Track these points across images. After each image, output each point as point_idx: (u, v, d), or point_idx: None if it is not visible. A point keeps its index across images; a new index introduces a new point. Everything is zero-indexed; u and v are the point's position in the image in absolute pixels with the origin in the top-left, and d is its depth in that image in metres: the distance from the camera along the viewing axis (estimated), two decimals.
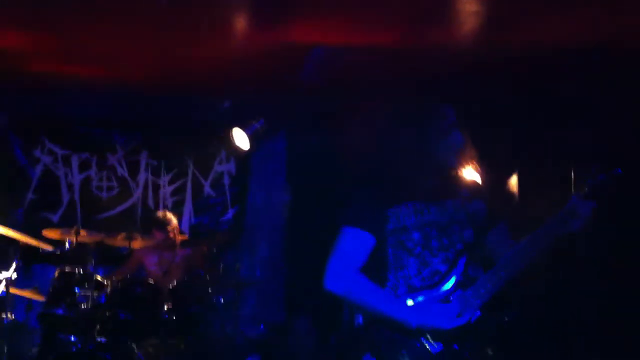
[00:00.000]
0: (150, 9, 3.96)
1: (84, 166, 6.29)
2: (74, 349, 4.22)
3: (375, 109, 3.76)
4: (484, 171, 2.48)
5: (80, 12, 3.98)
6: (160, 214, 5.32)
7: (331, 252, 2.27)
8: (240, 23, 4.29)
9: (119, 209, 6.29)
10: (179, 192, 6.41)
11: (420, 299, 2.17)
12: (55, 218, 6.12)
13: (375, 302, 2.18)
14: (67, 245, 4.80)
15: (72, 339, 4.28)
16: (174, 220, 5.26)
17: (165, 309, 4.45)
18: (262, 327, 5.60)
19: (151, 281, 4.54)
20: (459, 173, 2.33)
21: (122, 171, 6.34)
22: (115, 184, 6.31)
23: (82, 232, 4.82)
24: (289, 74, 5.02)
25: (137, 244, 5.09)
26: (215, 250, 5.25)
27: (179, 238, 5.28)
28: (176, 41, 4.51)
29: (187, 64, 4.94)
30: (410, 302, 2.17)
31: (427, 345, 2.12)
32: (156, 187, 6.38)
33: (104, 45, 4.60)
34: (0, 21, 4.09)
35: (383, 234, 2.26)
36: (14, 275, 4.55)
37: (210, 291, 4.68)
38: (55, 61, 4.92)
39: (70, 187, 6.24)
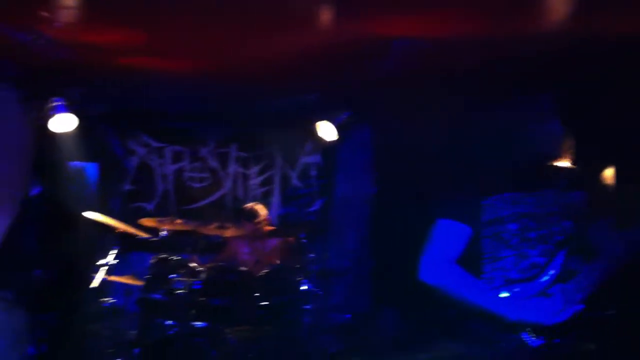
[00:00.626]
0: (236, 4, 4.02)
1: (177, 158, 6.52)
2: (171, 333, 4.38)
3: (467, 99, 3.73)
4: (582, 161, 2.42)
5: (174, 7, 4.08)
6: (248, 206, 5.45)
7: (426, 243, 2.27)
8: (326, 14, 4.30)
9: (210, 199, 6.48)
10: (267, 183, 6.54)
11: (517, 292, 2.15)
12: (150, 207, 6.37)
13: (473, 294, 2.17)
14: (163, 233, 4.99)
15: (169, 323, 4.46)
16: (263, 212, 5.40)
17: (257, 296, 4.56)
18: (349, 316, 5.64)
19: (243, 269, 4.66)
20: (557, 163, 2.29)
21: (213, 163, 6.53)
22: (206, 175, 6.51)
23: (177, 221, 4.99)
24: (375, 65, 5.01)
25: (229, 233, 5.23)
26: (303, 241, 5.32)
27: (268, 228, 5.41)
28: (265, 34, 4.56)
29: (274, 56, 4.99)
30: (507, 295, 2.15)
31: (526, 339, 2.09)
32: (245, 179, 6.54)
33: (196, 39, 4.70)
34: (98, 18, 4.24)
35: (479, 225, 2.24)
36: (114, 262, 4.77)
37: (299, 280, 4.76)
38: (149, 55, 5.06)
39: (164, 178, 6.48)
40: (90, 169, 6.19)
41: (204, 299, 4.45)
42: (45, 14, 4.05)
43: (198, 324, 4.40)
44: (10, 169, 1.59)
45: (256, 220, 5.29)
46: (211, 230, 5.15)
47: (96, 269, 4.59)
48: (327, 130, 5.94)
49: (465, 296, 2.18)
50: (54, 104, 4.86)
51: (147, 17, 4.24)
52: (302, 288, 4.75)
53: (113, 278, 4.81)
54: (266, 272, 4.68)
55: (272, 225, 5.58)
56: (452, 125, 4.28)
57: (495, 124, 2.36)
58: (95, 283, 4.49)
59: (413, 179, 5.31)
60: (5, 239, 1.48)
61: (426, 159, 5.20)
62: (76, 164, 6.01)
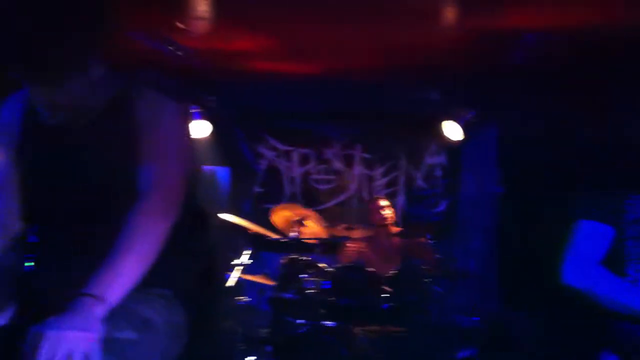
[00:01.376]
0: (360, 4, 4.06)
1: (303, 160, 6.67)
2: (302, 331, 4.49)
3: (603, 92, 3.58)
4: None
5: (298, 10, 4.19)
6: (377, 203, 5.50)
7: (568, 246, 2.21)
8: (450, 11, 4.26)
9: (336, 200, 6.59)
10: (392, 184, 6.56)
11: None
12: None
13: (623, 296, 2.09)
14: (293, 234, 5.12)
15: (300, 321, 4.57)
16: (390, 211, 5.43)
17: (384, 297, 4.58)
18: (476, 319, 5.55)
19: (371, 269, 4.70)
20: None
21: (338, 165, 6.62)
22: (332, 177, 6.62)
23: (306, 222, 5.11)
24: (500, 62, 4.91)
25: (356, 234, 5.30)
26: (429, 242, 5.30)
27: (394, 229, 5.44)
28: (389, 33, 4.57)
29: (398, 55, 5.00)
30: None
31: None
32: (370, 180, 6.59)
33: (321, 41, 4.79)
34: (228, 26, 4.43)
35: (622, 225, 2.17)
36: (247, 262, 4.96)
37: (426, 281, 4.74)
38: (275, 59, 5.20)
39: (291, 180, 6.65)
40: (222, 172, 6.47)
41: (333, 298, 4.52)
42: (181, 24, 4.29)
43: (327, 322, 4.48)
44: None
45: (384, 219, 5.35)
46: (339, 231, 5.23)
47: (231, 268, 4.79)
48: (452, 130, 5.88)
49: (614, 298, 2.10)
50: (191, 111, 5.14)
51: (274, 22, 4.38)
52: (428, 289, 4.72)
53: (246, 277, 5.00)
54: (393, 273, 4.70)
55: (397, 226, 5.60)
56: (588, 120, 4.11)
57: (637, 118, 2.27)
58: (230, 282, 4.69)
59: (544, 178, 5.15)
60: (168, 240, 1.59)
61: (560, 157, 5.03)
62: (210, 168, 6.32)
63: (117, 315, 1.50)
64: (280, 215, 5.32)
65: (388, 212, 5.45)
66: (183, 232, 1.72)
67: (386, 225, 5.40)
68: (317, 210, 6.40)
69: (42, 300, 1.69)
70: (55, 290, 1.66)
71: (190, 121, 1.61)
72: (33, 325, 1.40)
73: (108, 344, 1.44)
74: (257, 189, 6.63)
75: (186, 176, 1.73)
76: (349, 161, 6.62)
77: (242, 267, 4.83)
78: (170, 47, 4.56)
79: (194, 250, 1.86)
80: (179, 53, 4.61)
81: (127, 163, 1.67)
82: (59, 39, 1.51)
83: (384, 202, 5.52)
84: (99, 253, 1.54)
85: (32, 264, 1.81)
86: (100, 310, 1.45)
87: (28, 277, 1.81)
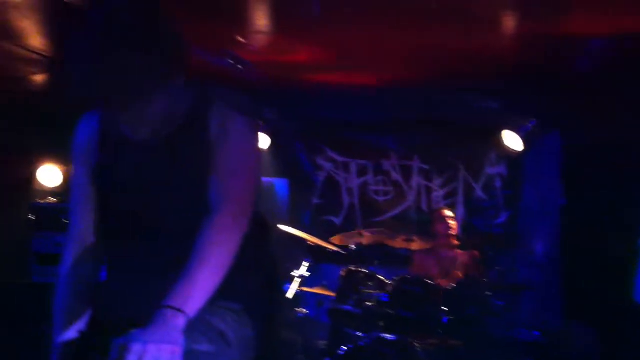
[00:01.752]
0: (417, 13, 4.04)
1: (361, 172, 6.67)
2: (361, 344, 4.47)
3: None
4: None
5: (356, 22, 4.20)
6: (439, 214, 5.45)
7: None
8: (511, 17, 4.20)
9: (394, 212, 6.56)
10: (450, 195, 6.49)
11: None
12: (337, 221, 6.57)
13: None
14: (352, 246, 5.12)
15: (359, 334, 4.56)
16: (454, 223, 5.38)
17: (443, 310, 4.53)
18: (537, 333, 5.44)
19: (430, 282, 4.66)
20: None
21: (397, 176, 6.60)
22: (390, 188, 6.60)
23: (365, 234, 5.11)
24: (563, 69, 4.82)
25: (415, 245, 5.27)
26: (490, 254, 5.23)
27: (454, 241, 5.38)
28: (447, 42, 4.54)
29: (455, 66, 4.96)
30: None
31: None
32: (429, 191, 6.54)
33: (379, 52, 4.80)
34: (284, 37, 4.48)
35: None
36: (306, 274, 4.98)
37: (486, 294, 4.67)
38: (333, 71, 5.24)
39: (349, 191, 6.66)
40: (281, 184, 6.54)
41: (392, 311, 4.50)
42: (240, 38, 4.36)
43: (386, 335, 4.45)
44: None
45: (446, 229, 5.31)
46: (398, 242, 5.20)
47: (290, 280, 4.82)
48: (512, 140, 5.78)
49: None
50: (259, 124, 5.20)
51: (332, 34, 4.41)
52: (489, 302, 4.65)
53: (305, 289, 5.02)
54: (453, 286, 4.64)
55: (457, 238, 5.53)
56: None
57: None
58: (290, 294, 4.72)
59: (610, 189, 5.03)
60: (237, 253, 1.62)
61: (626, 166, 4.89)
62: (269, 179, 6.38)
63: (193, 328, 1.53)
64: (338, 238, 5.34)
65: (451, 224, 5.40)
66: (250, 244, 1.75)
67: (448, 237, 5.35)
68: (375, 222, 6.41)
69: (117, 312, 1.74)
70: (130, 303, 1.70)
71: (259, 135, 1.65)
72: (117, 338, 1.44)
73: (185, 356, 1.47)
74: (316, 201, 6.66)
75: (256, 189, 1.76)
76: (407, 172, 6.58)
77: (301, 279, 4.85)
78: (231, 61, 4.64)
79: (260, 262, 1.89)
80: (240, 67, 4.69)
81: (200, 177, 1.71)
82: (141, 57, 1.56)
83: (448, 214, 5.47)
84: (173, 266, 1.58)
85: (107, 276, 1.86)
86: (180, 322, 1.48)
87: (103, 289, 1.87)
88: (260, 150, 1.87)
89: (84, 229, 1.86)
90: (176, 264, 1.58)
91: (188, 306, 1.50)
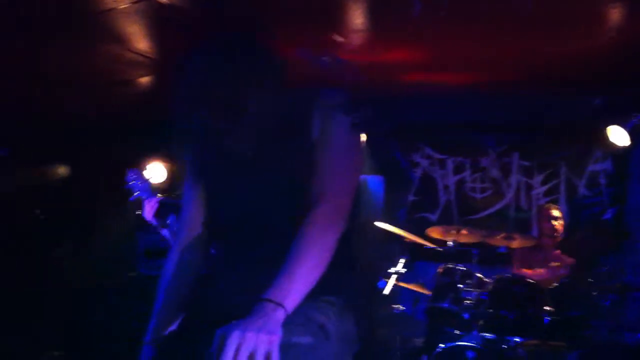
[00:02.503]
0: (517, 8, 3.97)
1: (458, 169, 6.59)
2: (459, 342, 4.43)
3: None
4: None
5: (453, 21, 4.16)
6: (546, 212, 5.31)
7: None
8: (614, 14, 4.07)
9: (492, 209, 6.45)
10: (551, 192, 6.31)
11: None
12: (433, 218, 6.53)
13: None
14: (449, 243, 5.07)
15: (457, 332, 4.51)
16: (561, 222, 5.24)
17: (546, 310, 4.42)
18: None
19: (531, 281, 4.56)
20: None
21: (495, 173, 6.48)
22: (488, 185, 6.49)
23: (463, 232, 5.05)
24: None
25: (516, 243, 5.15)
26: (595, 252, 5.05)
27: (559, 240, 5.23)
28: (544, 39, 4.44)
29: (556, 61, 4.83)
30: None
31: None
32: (528, 188, 6.39)
33: (476, 50, 4.74)
34: (382, 36, 4.49)
35: None
36: (402, 271, 4.97)
37: (591, 294, 4.52)
38: (431, 70, 5.21)
39: (446, 189, 6.59)
40: (377, 181, 6.54)
41: (491, 310, 4.42)
42: (338, 37, 4.41)
43: (485, 334, 4.39)
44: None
45: (552, 226, 5.17)
46: (498, 240, 5.12)
47: (386, 276, 4.83)
48: (617, 135, 5.56)
49: None
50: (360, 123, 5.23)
51: (430, 34, 4.39)
52: (594, 303, 4.49)
53: (402, 285, 5.01)
54: (556, 286, 4.51)
55: (560, 237, 5.38)
56: None
57: None
58: (386, 290, 4.72)
59: None
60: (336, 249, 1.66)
61: None
62: (365, 176, 6.41)
63: (293, 321, 1.58)
64: (435, 231, 5.29)
65: (557, 223, 5.25)
66: (348, 240, 1.78)
67: (553, 236, 5.21)
68: (472, 219, 6.32)
69: (221, 305, 1.81)
70: (232, 296, 1.77)
71: (359, 133, 1.67)
72: (218, 327, 1.50)
73: (286, 348, 1.51)
74: (412, 198, 6.64)
75: (355, 187, 1.80)
76: (505, 169, 6.45)
77: (397, 276, 4.85)
78: (328, 61, 4.69)
79: (357, 258, 1.92)
80: (337, 66, 4.73)
81: (301, 176, 1.76)
82: (243, 68, 1.61)
83: (554, 213, 5.32)
84: (273, 261, 1.63)
85: (213, 270, 1.94)
86: (280, 315, 1.53)
87: (206, 281, 1.95)
88: (360, 149, 1.90)
89: (193, 222, 1.96)
90: (277, 259, 1.63)
91: (287, 300, 1.55)
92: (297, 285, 1.58)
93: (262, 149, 1.81)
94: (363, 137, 5.85)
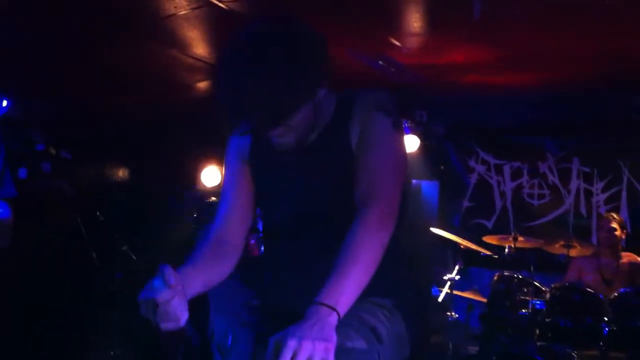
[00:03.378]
0: (584, 11, 3.88)
1: (515, 174, 6.48)
2: (514, 351, 4.35)
3: None
4: None
5: (510, 22, 4.10)
6: (606, 221, 5.17)
7: None
8: None
9: (550, 216, 6.31)
10: (613, 199, 6.13)
11: None
12: (489, 224, 6.43)
13: None
14: (506, 250, 4.99)
15: (512, 341, 4.43)
16: (622, 232, 5.09)
17: (605, 320, 4.30)
18: None
19: (590, 290, 4.44)
20: None
21: (553, 179, 6.34)
22: (546, 191, 6.36)
23: (520, 238, 4.95)
24: None
25: (574, 252, 5.03)
26: None
27: (620, 249, 5.08)
28: (609, 44, 4.33)
29: (620, 65, 4.71)
30: None
31: None
32: (588, 195, 6.23)
33: (535, 53, 4.66)
34: (437, 39, 4.45)
35: None
36: (457, 277, 4.92)
37: None
38: (487, 72, 5.14)
39: (502, 194, 6.49)
40: (432, 186, 6.50)
41: (548, 319, 4.33)
42: (394, 40, 4.39)
43: (541, 343, 4.30)
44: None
45: (613, 236, 5.03)
46: (556, 248, 5.00)
47: (441, 283, 4.78)
48: None
49: None
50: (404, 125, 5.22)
51: (486, 35, 4.34)
52: None
53: (456, 292, 4.96)
54: (616, 296, 4.39)
55: (620, 246, 5.22)
56: None
57: None
58: (440, 297, 4.68)
59: None
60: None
61: None
62: (419, 182, 6.37)
63: (345, 324, 1.57)
64: (491, 237, 5.21)
65: (618, 232, 5.10)
66: (399, 243, 1.77)
67: (614, 246, 5.06)
68: (528, 226, 6.20)
69: (275, 306, 1.82)
70: (282, 298, 1.78)
71: (404, 135, 1.66)
72: (270, 328, 1.50)
73: (341, 354, 1.51)
74: (467, 203, 6.56)
75: (402, 189, 1.78)
76: (565, 175, 6.31)
77: (451, 282, 4.80)
78: (383, 63, 4.68)
79: (408, 261, 1.90)
80: (392, 69, 4.72)
81: (346, 178, 1.76)
82: (291, 73, 1.61)
83: (613, 224, 5.17)
84: (322, 263, 1.63)
85: (264, 271, 1.95)
86: (333, 320, 1.52)
87: (259, 282, 1.96)
88: (404, 149, 1.88)
89: (240, 213, 1.95)
90: (325, 262, 1.62)
91: (340, 304, 1.54)
92: (349, 288, 1.57)
93: (304, 153, 1.81)
94: (417, 140, 5.82)
